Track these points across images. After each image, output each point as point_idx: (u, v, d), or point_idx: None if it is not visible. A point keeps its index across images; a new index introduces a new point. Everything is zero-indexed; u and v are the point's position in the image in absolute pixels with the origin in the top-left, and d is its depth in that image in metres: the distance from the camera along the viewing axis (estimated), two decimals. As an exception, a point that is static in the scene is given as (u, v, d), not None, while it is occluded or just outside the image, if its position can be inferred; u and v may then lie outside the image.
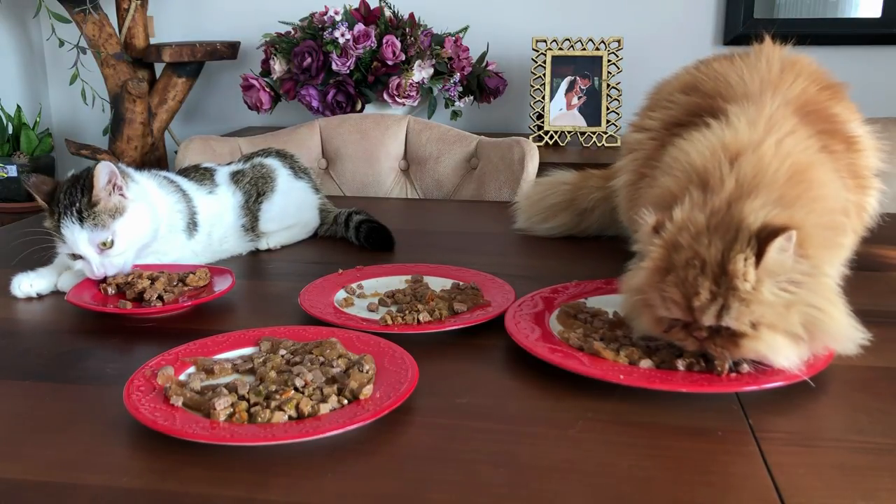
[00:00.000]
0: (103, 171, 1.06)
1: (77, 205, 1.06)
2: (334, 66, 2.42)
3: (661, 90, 1.14)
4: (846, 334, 0.77)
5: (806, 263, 0.76)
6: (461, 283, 1.06)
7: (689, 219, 0.78)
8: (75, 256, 1.07)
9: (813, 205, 0.81)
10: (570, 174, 1.40)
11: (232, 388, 0.76)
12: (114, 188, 1.07)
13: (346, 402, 0.74)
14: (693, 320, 0.76)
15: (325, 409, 0.73)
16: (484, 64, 2.64)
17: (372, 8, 2.51)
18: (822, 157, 0.89)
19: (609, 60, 2.56)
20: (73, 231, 1.05)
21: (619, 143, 2.49)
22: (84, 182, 1.08)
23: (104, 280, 1.07)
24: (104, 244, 1.06)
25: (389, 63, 2.42)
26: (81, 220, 1.05)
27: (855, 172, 0.96)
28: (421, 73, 2.46)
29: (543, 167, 1.68)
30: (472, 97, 2.63)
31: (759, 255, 0.73)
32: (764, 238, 0.74)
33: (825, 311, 0.75)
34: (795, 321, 0.74)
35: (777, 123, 0.88)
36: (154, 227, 1.12)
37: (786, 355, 0.76)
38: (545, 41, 2.58)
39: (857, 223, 0.98)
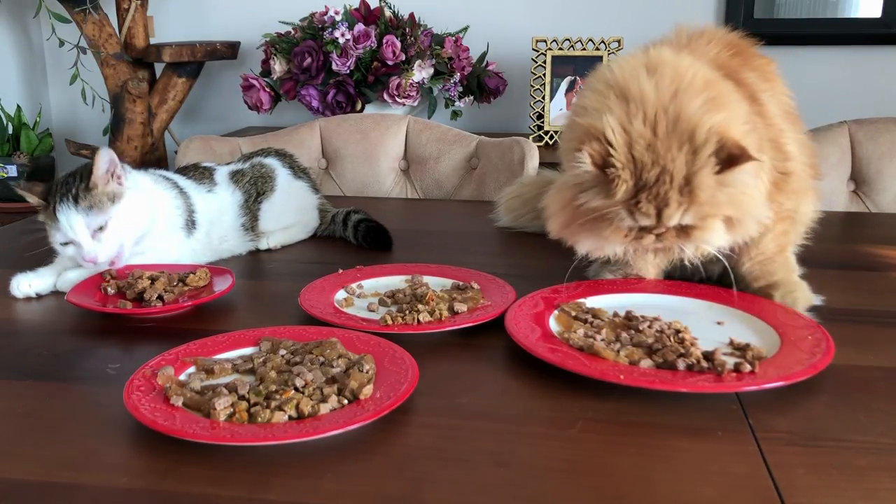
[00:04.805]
0: (104, 156, 1.06)
1: (74, 190, 1.06)
2: (334, 66, 2.42)
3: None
4: (763, 213, 0.91)
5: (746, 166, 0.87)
6: (461, 283, 1.06)
7: (634, 133, 0.86)
8: (66, 244, 1.07)
9: (737, 109, 0.90)
10: (553, 173, 1.39)
11: (232, 388, 0.76)
12: (112, 176, 1.08)
13: (346, 402, 0.74)
14: (658, 225, 0.88)
15: (325, 409, 0.73)
16: (484, 64, 2.64)
17: (372, 8, 2.51)
18: (731, 84, 0.95)
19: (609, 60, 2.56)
20: (68, 215, 1.05)
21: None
22: (82, 171, 1.08)
23: (105, 279, 1.07)
24: (100, 228, 1.06)
25: (389, 63, 2.42)
26: (77, 202, 1.05)
27: (763, 115, 0.99)
28: (421, 73, 2.45)
29: (543, 167, 1.68)
30: (472, 97, 2.63)
31: (722, 170, 0.84)
32: (727, 160, 0.84)
33: (750, 195, 0.88)
34: (731, 208, 0.87)
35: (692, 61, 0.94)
36: (148, 217, 1.12)
37: (723, 238, 0.90)
38: (545, 41, 2.58)
39: (777, 155, 0.98)
